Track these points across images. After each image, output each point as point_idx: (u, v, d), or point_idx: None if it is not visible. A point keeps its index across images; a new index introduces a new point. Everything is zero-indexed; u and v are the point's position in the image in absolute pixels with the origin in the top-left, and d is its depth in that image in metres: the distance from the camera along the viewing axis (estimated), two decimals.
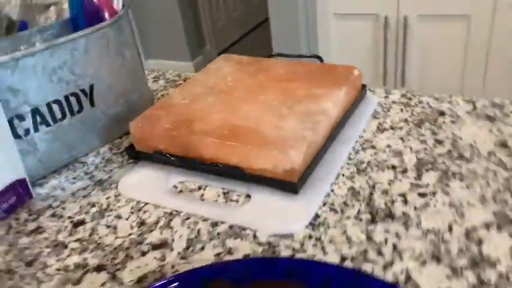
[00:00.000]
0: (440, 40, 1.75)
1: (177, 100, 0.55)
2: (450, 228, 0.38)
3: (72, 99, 0.51)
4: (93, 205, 0.46)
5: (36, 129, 0.49)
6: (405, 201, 0.41)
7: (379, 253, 0.36)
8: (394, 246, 0.37)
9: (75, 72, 0.51)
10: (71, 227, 0.44)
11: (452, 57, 1.75)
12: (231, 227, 0.41)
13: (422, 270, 0.34)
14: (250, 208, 0.43)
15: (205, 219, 0.43)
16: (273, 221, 0.41)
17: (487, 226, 0.37)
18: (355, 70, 0.57)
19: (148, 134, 0.50)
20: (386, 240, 0.37)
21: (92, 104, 0.54)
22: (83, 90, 0.52)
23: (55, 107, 0.50)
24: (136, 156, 0.52)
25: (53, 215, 0.46)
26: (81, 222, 0.44)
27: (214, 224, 0.42)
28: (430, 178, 0.44)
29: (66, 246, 0.41)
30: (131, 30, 0.58)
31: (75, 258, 0.40)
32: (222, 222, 0.42)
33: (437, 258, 0.35)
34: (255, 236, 0.40)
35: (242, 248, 0.39)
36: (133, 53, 0.58)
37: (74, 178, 0.51)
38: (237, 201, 0.44)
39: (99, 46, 0.52)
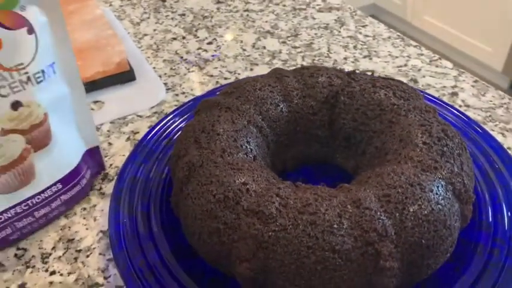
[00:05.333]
0: None
1: None
2: None
3: None
4: None
5: None
6: None
7: None
8: None
9: None
10: None
11: None
12: (112, 122, 0.44)
13: None
14: (110, 106, 0.46)
15: None
16: (139, 102, 0.47)
17: None
18: None
19: None
20: None
21: None
22: None
23: None
24: None
25: None
26: None
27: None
28: None
29: None
30: None
31: None
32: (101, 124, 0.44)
33: None
34: (139, 116, 0.45)
35: (142, 124, 0.43)
36: None
37: None
38: (92, 109, 0.46)
39: None
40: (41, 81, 0.31)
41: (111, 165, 0.39)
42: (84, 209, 0.36)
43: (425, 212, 0.25)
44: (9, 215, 0.32)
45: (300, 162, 0.37)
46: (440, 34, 1.98)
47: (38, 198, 0.33)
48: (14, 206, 0.32)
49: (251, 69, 0.51)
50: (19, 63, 0.30)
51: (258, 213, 0.26)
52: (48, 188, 0.33)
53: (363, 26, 0.58)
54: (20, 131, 0.31)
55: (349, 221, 0.25)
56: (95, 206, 0.36)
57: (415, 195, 0.26)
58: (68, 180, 0.34)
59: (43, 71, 0.31)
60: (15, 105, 0.30)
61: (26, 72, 0.30)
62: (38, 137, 0.32)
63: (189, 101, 0.43)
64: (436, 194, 0.26)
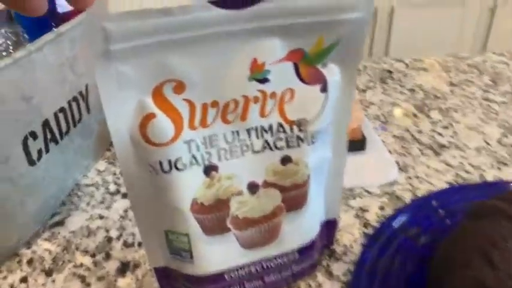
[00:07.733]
0: None
1: None
2: None
3: (74, 105, 0.40)
4: None
5: (47, 150, 0.37)
6: None
7: None
8: None
9: (75, 69, 0.39)
10: None
11: None
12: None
13: None
14: None
15: None
16: (368, 176, 0.43)
17: None
18: None
19: None
20: None
21: (88, 109, 0.43)
22: (80, 93, 0.41)
23: (61, 116, 0.38)
24: None
25: None
26: None
27: None
28: None
29: None
30: None
31: None
32: None
33: None
34: (367, 191, 0.41)
35: (372, 202, 0.39)
36: None
37: None
38: None
39: None
40: (315, 142, 0.28)
41: (337, 240, 0.35)
42: (310, 286, 0.32)
43: None
44: (243, 273, 0.29)
45: None
46: None
47: (273, 263, 0.30)
48: (249, 265, 0.29)
49: (498, 168, 0.43)
50: (302, 118, 0.28)
51: None
52: (285, 254, 0.30)
53: None
54: (280, 186, 0.29)
55: None
56: (320, 285, 0.32)
57: None
58: (305, 250, 0.31)
59: (319, 132, 0.28)
60: (285, 160, 0.28)
61: (305, 130, 0.28)
62: (295, 198, 0.29)
63: (439, 192, 0.38)
64: None
